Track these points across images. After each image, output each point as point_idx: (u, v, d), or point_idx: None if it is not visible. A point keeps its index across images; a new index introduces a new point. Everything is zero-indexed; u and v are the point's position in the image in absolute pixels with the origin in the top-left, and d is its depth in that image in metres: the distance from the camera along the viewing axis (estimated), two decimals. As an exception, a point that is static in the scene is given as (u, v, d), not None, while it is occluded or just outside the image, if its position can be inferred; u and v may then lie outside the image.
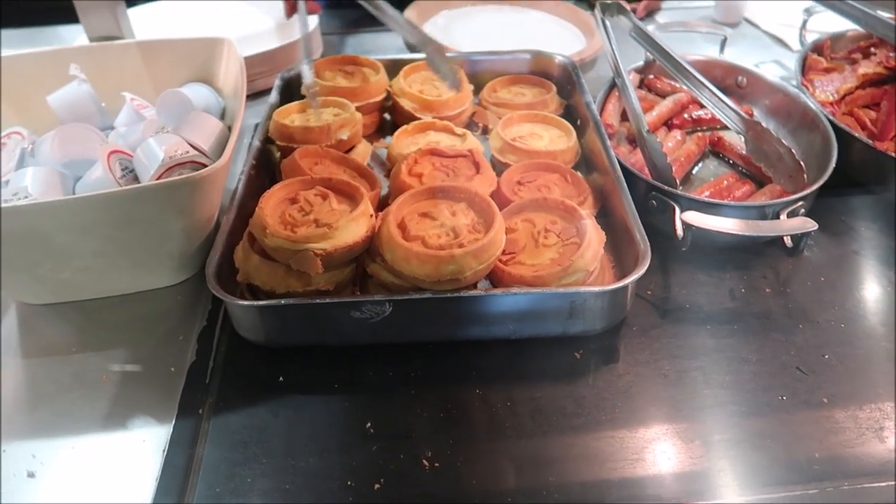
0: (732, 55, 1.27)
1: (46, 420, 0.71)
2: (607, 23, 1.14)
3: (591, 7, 1.58)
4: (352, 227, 0.73)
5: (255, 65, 1.26)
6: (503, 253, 0.75)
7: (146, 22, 1.39)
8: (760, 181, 0.98)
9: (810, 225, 0.77)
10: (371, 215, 0.76)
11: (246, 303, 0.72)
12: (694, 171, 1.03)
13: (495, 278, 0.76)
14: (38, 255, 0.74)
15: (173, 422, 0.70)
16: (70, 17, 1.07)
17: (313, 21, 1.43)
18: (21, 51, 1.00)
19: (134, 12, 1.43)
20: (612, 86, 1.11)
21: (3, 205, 0.67)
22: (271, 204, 0.77)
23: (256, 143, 0.96)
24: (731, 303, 0.82)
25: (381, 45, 1.51)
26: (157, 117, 0.94)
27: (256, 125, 1.02)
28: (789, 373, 0.74)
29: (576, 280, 0.74)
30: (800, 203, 0.85)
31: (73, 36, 1.54)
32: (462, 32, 1.49)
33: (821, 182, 0.87)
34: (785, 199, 0.85)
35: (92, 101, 0.88)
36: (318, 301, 0.72)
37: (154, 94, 1.01)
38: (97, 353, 0.78)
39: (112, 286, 0.83)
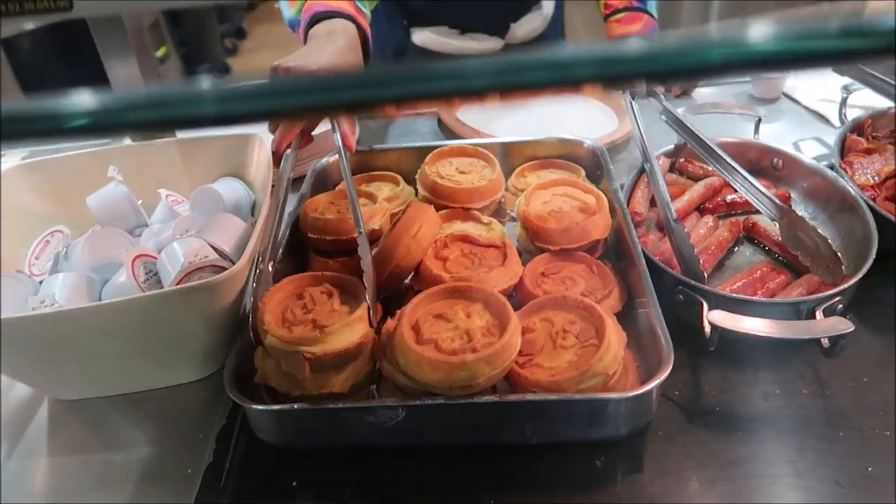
0: (772, 131, 1.25)
1: (65, 524, 0.72)
2: (635, 106, 1.14)
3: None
4: (345, 333, 0.73)
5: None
6: (520, 354, 0.74)
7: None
8: (798, 269, 0.94)
9: (843, 326, 0.73)
10: (368, 320, 0.76)
11: (259, 407, 0.73)
12: (728, 258, 1.00)
13: (512, 381, 0.74)
14: (64, 357, 0.76)
15: (185, 529, 0.70)
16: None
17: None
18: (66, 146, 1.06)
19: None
20: (642, 171, 1.10)
21: (31, 312, 0.70)
22: (276, 299, 0.78)
23: (286, 235, 0.98)
24: (764, 405, 0.78)
25: (414, 129, 1.54)
26: (191, 213, 0.98)
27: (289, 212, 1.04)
28: (828, 488, 0.68)
29: (594, 384, 0.71)
30: (837, 298, 0.81)
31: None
32: (493, 114, 1.51)
33: (860, 275, 0.83)
34: (820, 294, 0.81)
35: (128, 201, 0.92)
36: (330, 406, 0.71)
37: (190, 188, 1.05)
38: (120, 452, 0.79)
39: (139, 382, 0.85)
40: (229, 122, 0.24)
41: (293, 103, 0.23)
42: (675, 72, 0.21)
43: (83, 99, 0.23)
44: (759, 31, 0.21)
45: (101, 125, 0.24)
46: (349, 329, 0.72)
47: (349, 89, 0.21)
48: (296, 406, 0.72)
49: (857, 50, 0.22)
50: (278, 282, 0.88)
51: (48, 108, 0.22)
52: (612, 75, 0.21)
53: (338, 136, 1.04)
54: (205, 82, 0.22)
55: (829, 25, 0.20)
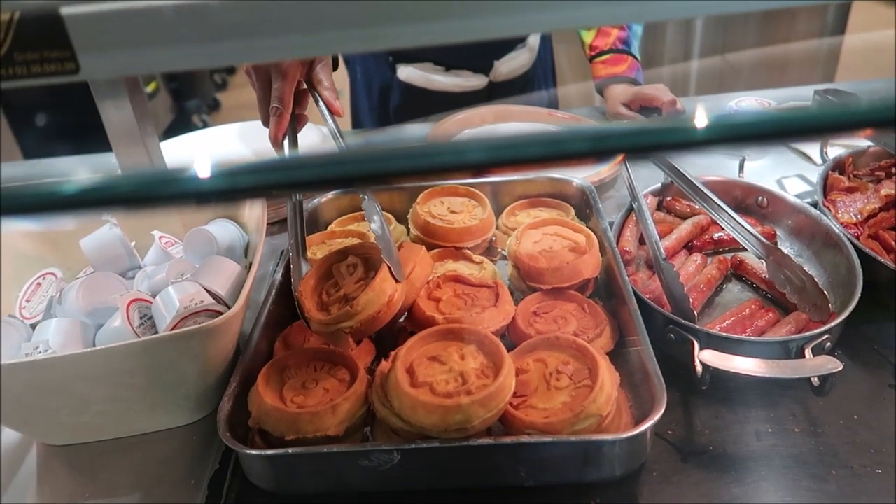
0: (756, 169, 1.28)
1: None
2: (623, 146, 1.16)
3: (611, 125, 1.62)
4: (372, 300, 0.78)
5: (284, 192, 1.31)
6: (515, 395, 0.74)
7: (180, 152, 1.46)
8: (786, 307, 0.96)
9: (832, 365, 0.74)
10: (389, 279, 0.80)
11: (252, 451, 0.72)
12: (717, 296, 1.01)
13: (506, 423, 0.74)
14: (57, 402, 0.76)
15: (177, 579, 0.69)
16: (105, 146, 1.13)
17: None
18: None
19: (168, 144, 1.51)
20: (630, 209, 1.11)
21: (25, 358, 0.70)
22: (310, 286, 0.84)
23: (278, 276, 0.98)
24: (757, 444, 0.78)
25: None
26: (184, 254, 0.98)
27: (282, 253, 1.05)
28: (822, 528, 0.69)
29: (589, 425, 0.71)
30: (825, 336, 0.82)
31: (107, 165, 1.62)
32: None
33: (846, 314, 0.84)
34: (808, 333, 0.82)
35: (121, 244, 0.92)
36: (325, 451, 0.71)
37: (183, 229, 1.05)
38: (110, 498, 0.78)
39: (129, 427, 0.84)
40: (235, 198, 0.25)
41: (288, 178, 0.24)
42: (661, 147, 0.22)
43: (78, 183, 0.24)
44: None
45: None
46: (375, 295, 0.78)
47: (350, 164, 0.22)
48: (289, 450, 0.71)
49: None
50: (273, 322, 0.89)
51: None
52: (602, 150, 0.22)
53: (323, 107, 1.06)
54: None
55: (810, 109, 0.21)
